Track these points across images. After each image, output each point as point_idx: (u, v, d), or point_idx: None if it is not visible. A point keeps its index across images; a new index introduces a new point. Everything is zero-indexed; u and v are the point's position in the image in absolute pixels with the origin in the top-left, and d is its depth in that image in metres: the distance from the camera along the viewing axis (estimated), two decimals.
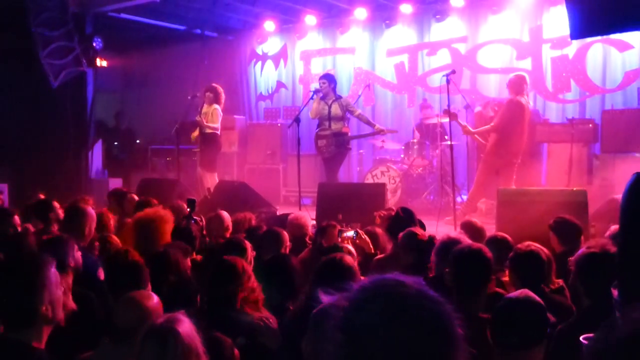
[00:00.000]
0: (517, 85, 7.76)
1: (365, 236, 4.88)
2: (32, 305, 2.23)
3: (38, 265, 2.31)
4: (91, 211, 4.69)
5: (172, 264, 3.69)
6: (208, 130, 9.26)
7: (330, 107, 8.86)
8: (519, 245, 3.69)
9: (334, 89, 9.03)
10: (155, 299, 2.82)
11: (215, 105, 9.33)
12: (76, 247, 3.66)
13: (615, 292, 2.30)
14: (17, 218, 5.24)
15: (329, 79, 9.10)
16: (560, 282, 3.72)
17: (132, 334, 2.67)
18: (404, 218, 4.90)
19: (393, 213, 5.26)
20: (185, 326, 2.31)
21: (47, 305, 2.27)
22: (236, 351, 2.76)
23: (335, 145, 8.87)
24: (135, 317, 2.69)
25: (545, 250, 3.70)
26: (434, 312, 1.27)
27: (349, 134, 9.21)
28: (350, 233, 4.84)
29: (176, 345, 2.26)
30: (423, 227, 4.97)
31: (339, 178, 9.30)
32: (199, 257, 4.46)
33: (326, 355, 1.30)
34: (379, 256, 4.82)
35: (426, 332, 1.24)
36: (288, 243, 4.60)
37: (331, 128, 8.85)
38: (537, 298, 2.61)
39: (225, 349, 2.73)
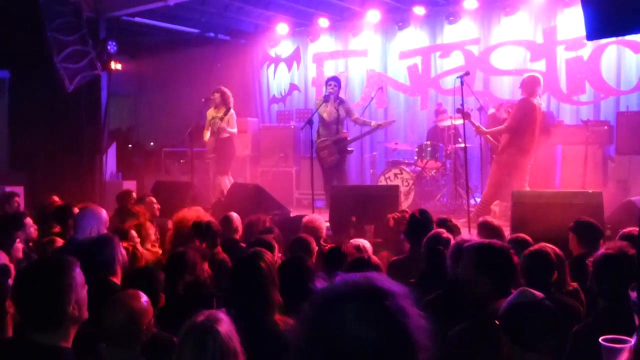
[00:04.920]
0: (529, 86, 7.69)
1: None
2: (59, 307, 2.28)
3: (64, 266, 2.36)
4: (102, 212, 4.74)
5: (190, 265, 3.70)
6: (225, 135, 9.30)
7: (338, 110, 8.94)
8: (533, 246, 3.66)
9: (338, 93, 9.16)
10: (143, 298, 2.78)
11: (232, 111, 9.39)
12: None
13: (633, 294, 2.28)
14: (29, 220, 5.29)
15: (338, 81, 9.23)
16: (575, 284, 3.68)
17: (126, 336, 2.67)
18: (421, 220, 4.83)
19: (407, 215, 5.17)
20: (225, 326, 2.32)
21: (73, 305, 2.31)
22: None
23: (338, 152, 8.94)
24: (122, 319, 2.67)
25: (558, 251, 3.67)
26: (395, 313, 1.26)
27: (348, 137, 9.31)
28: None
29: (215, 344, 2.26)
30: (451, 229, 4.65)
31: (349, 182, 9.32)
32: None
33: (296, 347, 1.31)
34: (394, 258, 4.77)
35: (383, 334, 1.24)
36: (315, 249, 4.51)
37: (330, 135, 8.95)
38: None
39: None
